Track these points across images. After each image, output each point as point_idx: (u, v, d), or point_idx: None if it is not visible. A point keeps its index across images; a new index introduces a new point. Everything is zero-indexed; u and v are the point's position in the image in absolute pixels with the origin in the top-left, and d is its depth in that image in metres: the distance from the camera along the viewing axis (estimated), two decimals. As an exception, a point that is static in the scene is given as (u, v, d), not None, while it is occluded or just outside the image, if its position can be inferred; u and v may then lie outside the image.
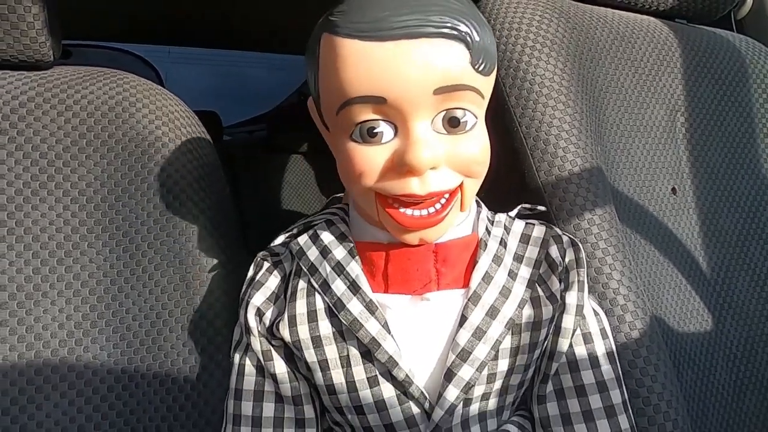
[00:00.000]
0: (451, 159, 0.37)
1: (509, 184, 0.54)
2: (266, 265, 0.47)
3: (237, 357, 0.45)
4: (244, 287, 0.47)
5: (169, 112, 0.57)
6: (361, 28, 0.34)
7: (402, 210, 0.38)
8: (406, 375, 0.40)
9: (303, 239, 0.45)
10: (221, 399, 0.48)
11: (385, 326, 0.40)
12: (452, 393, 0.40)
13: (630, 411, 0.44)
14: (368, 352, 0.41)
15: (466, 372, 0.40)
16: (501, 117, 0.56)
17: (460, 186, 0.39)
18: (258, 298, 0.44)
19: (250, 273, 0.47)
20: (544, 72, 0.55)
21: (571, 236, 0.45)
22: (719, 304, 0.66)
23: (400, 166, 0.36)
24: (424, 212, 0.38)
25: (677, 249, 0.64)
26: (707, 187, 0.69)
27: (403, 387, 0.41)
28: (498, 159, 0.58)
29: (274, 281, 0.45)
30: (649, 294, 0.58)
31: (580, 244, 0.44)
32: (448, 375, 0.40)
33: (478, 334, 0.40)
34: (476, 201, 0.47)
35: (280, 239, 0.47)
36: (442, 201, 0.38)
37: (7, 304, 0.49)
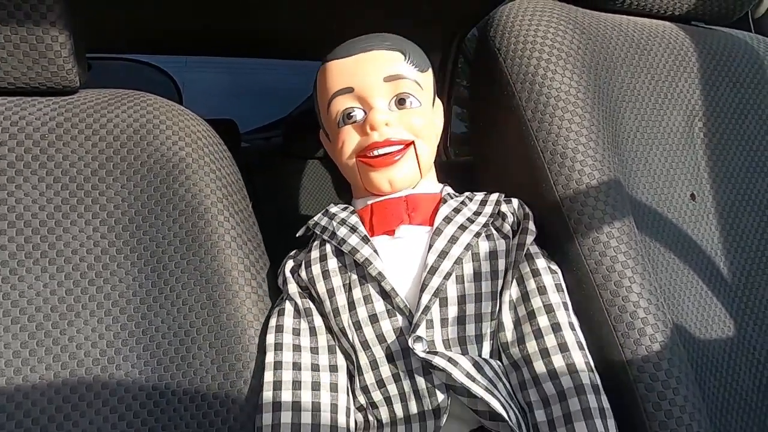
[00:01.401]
0: (402, 123, 0.54)
1: (526, 197, 0.55)
2: (295, 251, 0.59)
3: (275, 308, 0.55)
4: (281, 266, 0.58)
5: (192, 133, 0.59)
6: (336, 55, 0.55)
7: (369, 158, 0.53)
8: (392, 288, 0.50)
9: (317, 216, 0.59)
10: (250, 415, 0.49)
11: (375, 251, 0.52)
12: (425, 298, 0.49)
13: (577, 331, 0.50)
14: (364, 276, 0.52)
15: (435, 281, 0.49)
16: (517, 130, 0.56)
17: (414, 144, 0.54)
18: (290, 263, 0.57)
19: (285, 260, 0.59)
20: (560, 85, 0.56)
21: (520, 200, 0.56)
22: (740, 310, 0.65)
23: (366, 127, 0.53)
24: (383, 151, 0.53)
25: (697, 255, 0.64)
26: (726, 192, 0.69)
27: (390, 300, 0.50)
28: (515, 172, 0.59)
29: (302, 256, 0.57)
30: (669, 302, 0.58)
31: (525, 204, 0.56)
32: (423, 287, 0.49)
33: (443, 255, 0.51)
34: (445, 184, 0.59)
35: (302, 230, 0.59)
36: (399, 150, 0.53)
37: (42, 325, 0.51)
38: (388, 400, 0.50)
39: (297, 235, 0.59)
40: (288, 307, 0.54)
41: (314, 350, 0.53)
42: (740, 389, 0.62)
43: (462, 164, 1.64)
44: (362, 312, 0.51)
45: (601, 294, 0.50)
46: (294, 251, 0.59)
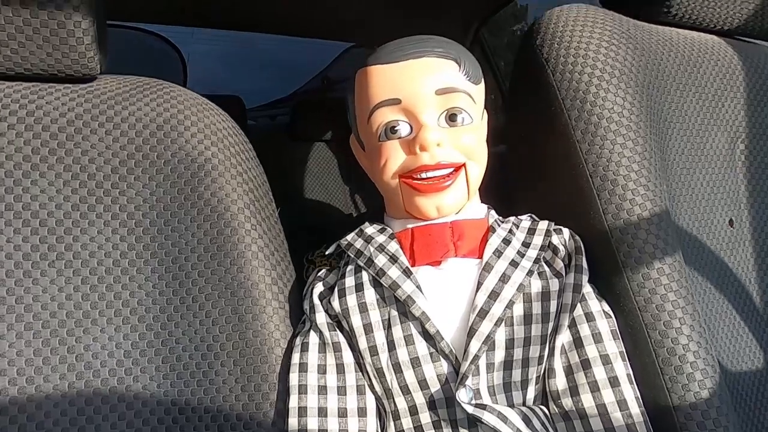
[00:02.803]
0: (453, 142, 0.49)
1: (572, 223, 0.52)
2: (324, 270, 0.54)
3: (299, 339, 0.50)
4: (307, 286, 0.54)
5: (218, 130, 0.56)
6: (381, 58, 0.50)
7: (417, 181, 0.49)
8: (437, 331, 0.46)
9: (351, 236, 0.54)
10: (276, 441, 0.47)
11: (419, 287, 0.47)
12: (474, 346, 0.45)
13: (634, 384, 0.47)
14: (405, 314, 0.47)
15: (485, 327, 0.46)
16: (566, 151, 0.53)
17: (464, 166, 0.50)
18: (320, 287, 0.52)
19: (310, 278, 0.55)
20: (613, 105, 0.53)
21: (570, 230, 0.53)
22: (771, 340, 0.64)
23: (414, 147, 0.48)
24: (432, 174, 0.48)
25: (732, 283, 0.63)
26: (764, 218, 0.67)
27: (434, 343, 0.46)
28: (560, 194, 0.56)
29: (332, 278, 0.53)
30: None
31: (576, 235, 0.52)
32: (471, 332, 0.46)
33: (493, 295, 0.47)
34: (489, 206, 0.56)
35: (332, 247, 0.54)
36: (449, 176, 0.49)
37: (56, 332, 0.49)
38: None
39: (327, 252, 0.55)
40: (313, 339, 0.50)
41: (341, 390, 0.49)
42: (765, 422, 0.61)
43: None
44: (403, 354, 0.47)
45: (649, 334, 0.48)
46: (323, 271, 0.54)
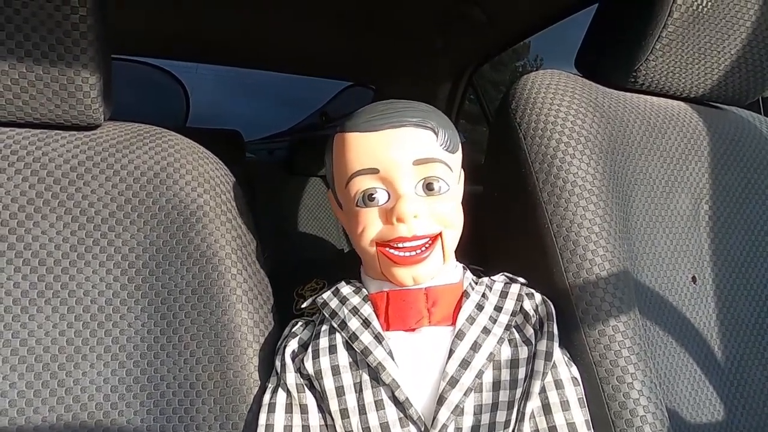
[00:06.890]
0: (430, 213, 0.49)
1: (536, 277, 0.56)
2: (300, 323, 0.56)
3: (267, 397, 0.52)
4: (281, 340, 0.55)
5: (211, 178, 0.59)
6: (360, 126, 0.50)
7: (395, 252, 0.49)
8: (406, 398, 0.48)
9: (327, 294, 0.55)
10: (250, 478, 0.50)
11: (390, 354, 0.49)
12: (444, 414, 0.47)
13: None
14: (376, 379, 0.49)
15: (455, 396, 0.47)
16: (533, 211, 0.57)
17: (440, 235, 0.50)
18: (293, 344, 0.53)
19: (285, 331, 0.56)
20: (578, 170, 0.57)
21: (542, 295, 0.54)
22: (731, 394, 0.67)
23: (391, 217, 0.48)
24: (411, 253, 0.49)
25: (694, 338, 0.66)
26: (726, 275, 0.71)
27: (404, 409, 0.48)
28: (526, 249, 0.60)
29: (306, 334, 0.55)
30: (664, 385, 0.60)
31: (549, 300, 0.53)
32: (440, 400, 0.47)
33: (464, 364, 0.48)
34: (464, 266, 0.56)
35: (308, 301, 0.57)
36: (426, 247, 0.49)
37: (48, 366, 0.52)
38: None
39: (303, 306, 0.57)
40: (281, 399, 0.51)
41: None
42: (724, 473, 0.63)
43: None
44: (373, 418, 0.48)
45: (603, 387, 0.51)
46: (298, 325, 0.56)
